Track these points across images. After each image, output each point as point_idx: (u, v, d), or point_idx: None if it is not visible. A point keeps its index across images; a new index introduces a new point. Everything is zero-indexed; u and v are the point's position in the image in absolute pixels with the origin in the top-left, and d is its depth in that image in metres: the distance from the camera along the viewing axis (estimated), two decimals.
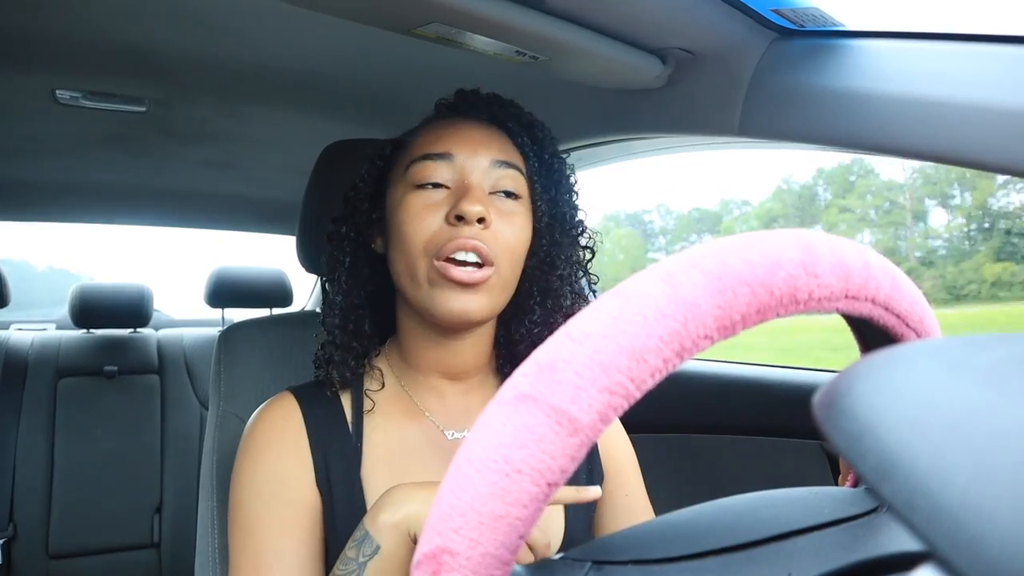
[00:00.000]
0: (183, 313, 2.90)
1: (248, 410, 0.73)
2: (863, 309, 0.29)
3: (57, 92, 1.18)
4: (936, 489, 0.16)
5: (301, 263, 0.96)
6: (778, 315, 0.26)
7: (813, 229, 0.33)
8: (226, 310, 2.40)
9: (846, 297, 0.28)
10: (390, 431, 0.70)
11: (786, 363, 1.34)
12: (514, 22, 0.71)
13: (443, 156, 0.67)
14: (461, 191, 0.65)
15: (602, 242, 0.80)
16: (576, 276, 0.76)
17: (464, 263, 0.64)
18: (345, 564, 0.55)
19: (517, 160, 0.71)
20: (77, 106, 1.23)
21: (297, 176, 1.09)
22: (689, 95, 0.88)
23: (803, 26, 0.78)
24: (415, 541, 0.54)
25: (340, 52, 1.06)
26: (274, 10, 0.90)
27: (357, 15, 0.72)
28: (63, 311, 2.38)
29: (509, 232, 0.67)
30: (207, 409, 0.97)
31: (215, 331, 2.35)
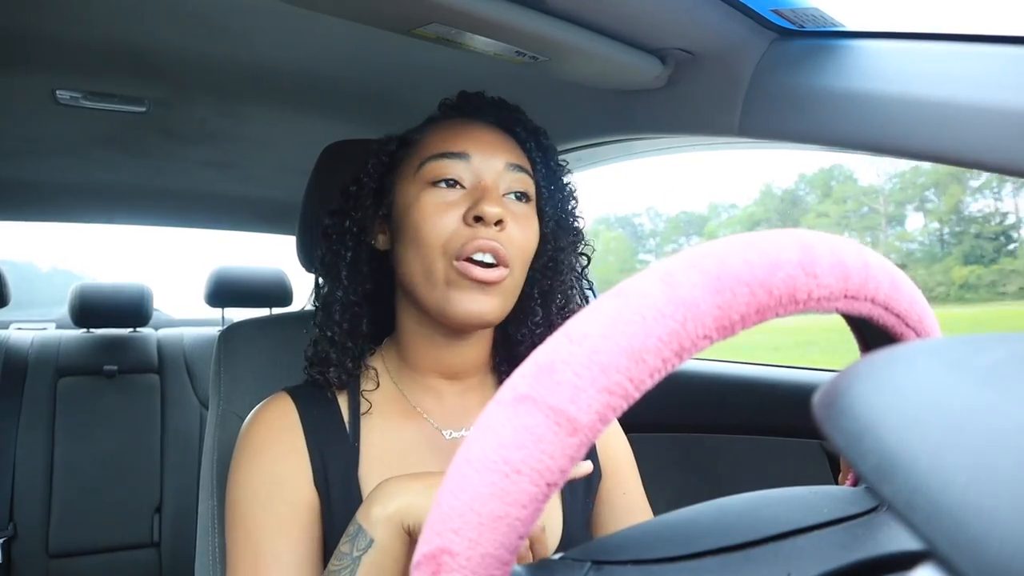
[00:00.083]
0: (183, 313, 2.90)
1: (248, 409, 0.73)
2: (862, 309, 0.29)
3: (57, 92, 1.18)
4: (936, 489, 0.16)
5: (301, 263, 0.96)
6: (777, 315, 0.26)
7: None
8: (226, 310, 2.40)
9: (845, 297, 0.28)
10: (387, 431, 0.70)
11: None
12: (514, 22, 0.71)
13: (460, 155, 0.67)
14: (478, 192, 0.66)
15: (594, 249, 0.81)
16: (575, 280, 0.77)
17: (481, 263, 0.64)
18: (340, 559, 0.55)
19: (527, 165, 0.71)
20: (77, 106, 1.23)
21: (297, 176, 1.09)
22: (689, 95, 0.88)
23: (803, 26, 0.78)
24: (409, 533, 0.54)
25: (340, 52, 1.06)
26: (274, 10, 0.90)
27: (357, 15, 0.72)
28: (63, 310, 2.38)
29: (522, 235, 0.67)
30: (207, 409, 0.97)
31: (215, 331, 2.35)
